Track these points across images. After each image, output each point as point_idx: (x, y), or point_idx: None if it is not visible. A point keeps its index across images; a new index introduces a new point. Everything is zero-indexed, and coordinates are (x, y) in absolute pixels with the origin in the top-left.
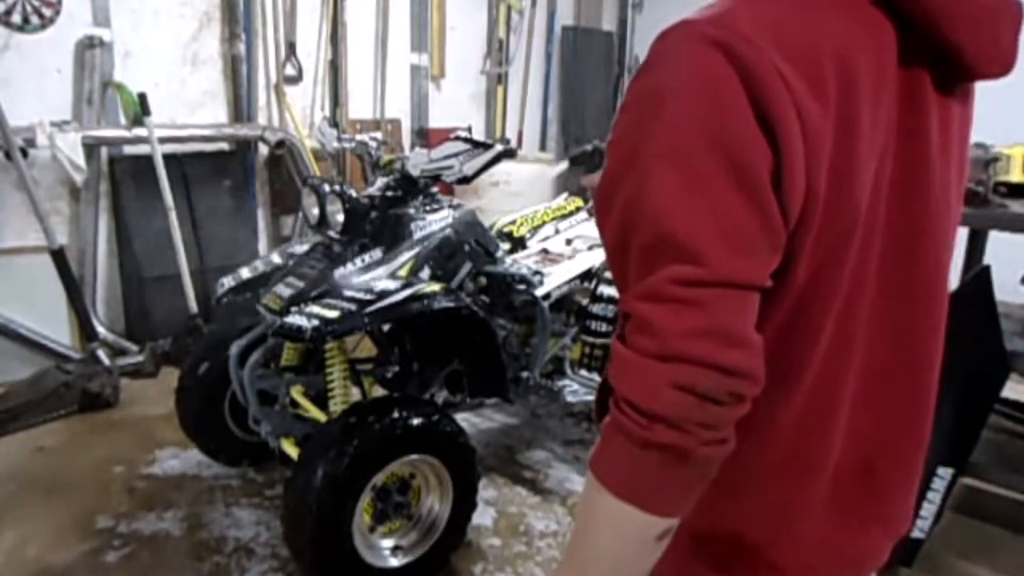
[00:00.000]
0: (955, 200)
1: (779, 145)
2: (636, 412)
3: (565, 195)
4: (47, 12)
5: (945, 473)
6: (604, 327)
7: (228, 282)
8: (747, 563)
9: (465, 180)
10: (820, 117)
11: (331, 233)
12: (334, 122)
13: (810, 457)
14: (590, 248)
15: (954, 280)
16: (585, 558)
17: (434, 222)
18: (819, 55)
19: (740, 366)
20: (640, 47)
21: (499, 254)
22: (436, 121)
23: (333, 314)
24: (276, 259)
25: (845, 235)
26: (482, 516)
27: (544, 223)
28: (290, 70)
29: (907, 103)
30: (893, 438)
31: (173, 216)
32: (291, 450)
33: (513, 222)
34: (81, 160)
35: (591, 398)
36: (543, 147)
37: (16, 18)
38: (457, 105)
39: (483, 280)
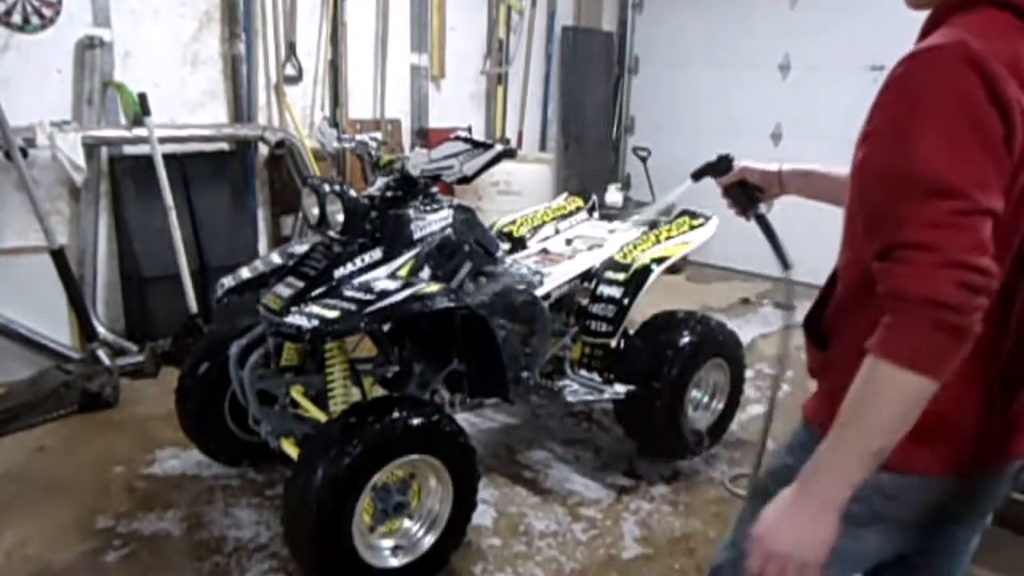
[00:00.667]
0: None
1: (1009, 121)
2: (929, 305)
3: (565, 195)
4: (47, 12)
5: None
6: (604, 327)
7: (228, 282)
8: (942, 435)
9: (465, 180)
10: None
11: (331, 233)
12: (334, 122)
13: (993, 342)
14: (590, 248)
15: None
16: (871, 424)
17: (434, 222)
18: (1019, 64)
19: (992, 269)
20: (640, 47)
21: (499, 254)
22: (436, 121)
23: (333, 314)
24: (276, 259)
25: None
26: (482, 516)
27: (544, 223)
28: (290, 70)
29: None
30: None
31: (173, 216)
32: (291, 450)
33: (513, 222)
34: (81, 160)
35: (591, 398)
36: (543, 147)
37: (16, 18)
38: (457, 105)
39: (483, 280)
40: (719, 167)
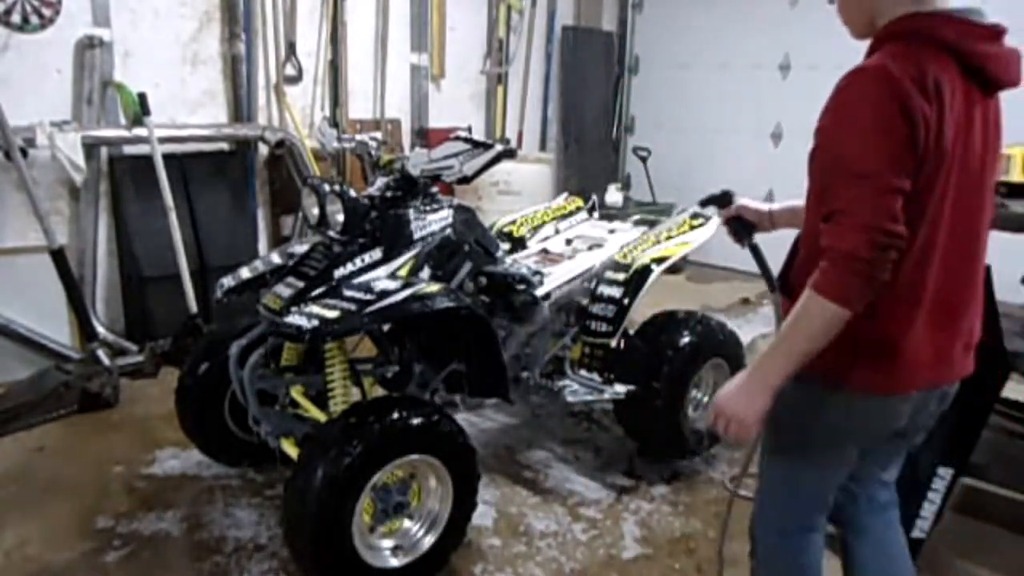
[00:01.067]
0: (990, 159)
1: (913, 124)
2: (848, 257)
3: (565, 195)
4: (47, 12)
5: (945, 473)
6: (604, 327)
7: (228, 282)
8: (885, 355)
9: (465, 180)
10: (928, 110)
11: (331, 233)
12: (334, 122)
13: (919, 286)
14: (590, 248)
15: None
16: (800, 334)
17: (434, 222)
18: (926, 80)
19: (897, 231)
20: (640, 47)
21: (499, 254)
22: (436, 121)
23: (333, 314)
24: (276, 259)
25: (939, 165)
26: (482, 516)
27: (544, 223)
28: (290, 70)
29: (966, 103)
30: (963, 280)
31: (173, 216)
32: (291, 450)
33: (513, 222)
34: (81, 160)
35: (591, 398)
36: (543, 147)
37: (16, 18)
38: (457, 105)
39: (483, 280)
40: (721, 200)
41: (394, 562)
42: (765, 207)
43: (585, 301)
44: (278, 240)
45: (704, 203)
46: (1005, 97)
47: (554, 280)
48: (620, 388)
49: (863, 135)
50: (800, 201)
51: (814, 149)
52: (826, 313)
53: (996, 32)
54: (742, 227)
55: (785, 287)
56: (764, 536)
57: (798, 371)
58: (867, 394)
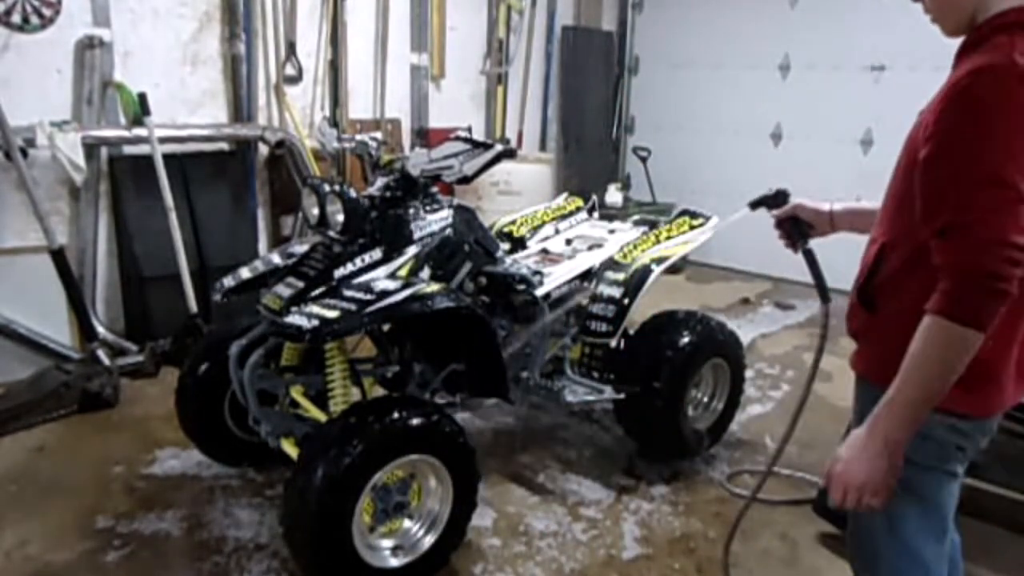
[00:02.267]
0: None
1: None
2: (981, 274)
3: (565, 195)
4: (47, 12)
5: None
6: (604, 327)
7: (228, 282)
8: (985, 376)
9: (465, 180)
10: None
11: (331, 233)
12: (334, 122)
13: (1019, 305)
14: (590, 248)
15: None
16: (930, 372)
17: (434, 222)
18: None
19: None
20: (640, 47)
21: (499, 254)
22: (436, 121)
23: (333, 314)
24: (276, 259)
25: None
26: (482, 516)
27: (544, 223)
28: (290, 70)
29: None
30: None
31: (173, 216)
32: (291, 450)
33: (513, 222)
34: (81, 160)
35: (591, 398)
36: (543, 147)
37: (16, 18)
38: (457, 105)
39: (483, 280)
40: (776, 200)
41: (394, 562)
42: (825, 207)
43: (585, 301)
44: (278, 240)
45: (755, 205)
46: None
47: (554, 280)
48: (620, 388)
49: (1004, 140)
50: (867, 204)
51: (927, 156)
52: (959, 341)
53: None
54: (797, 229)
55: (866, 299)
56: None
57: (871, 377)
58: (965, 418)
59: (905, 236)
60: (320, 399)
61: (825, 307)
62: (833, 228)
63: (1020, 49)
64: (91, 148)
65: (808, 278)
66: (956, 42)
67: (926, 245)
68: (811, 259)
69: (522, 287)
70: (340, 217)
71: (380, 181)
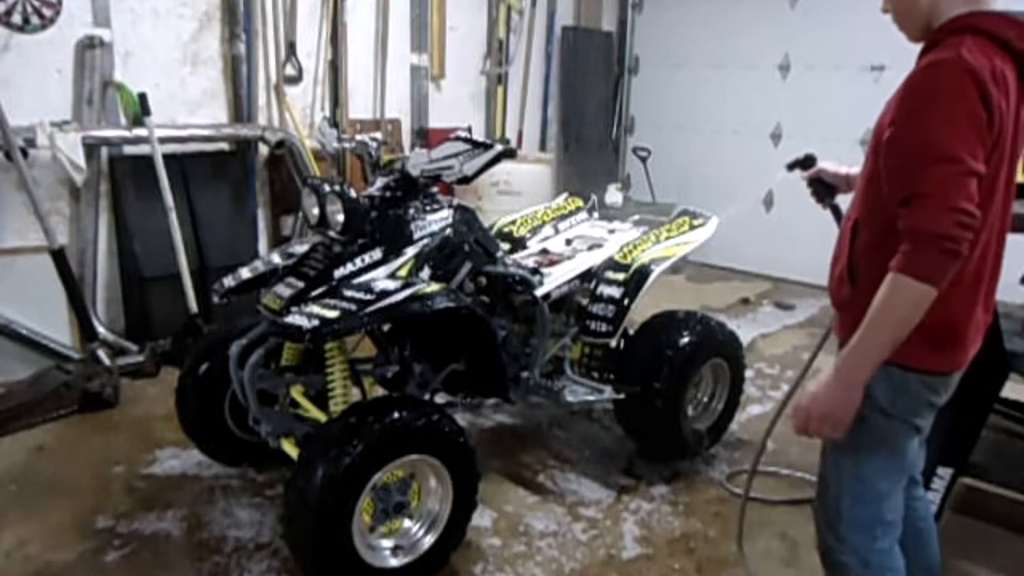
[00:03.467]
0: (1019, 157)
1: (990, 112)
2: (935, 236)
3: (565, 195)
4: (47, 12)
5: (945, 473)
6: (604, 327)
7: (228, 282)
8: (949, 334)
9: (465, 180)
10: (1002, 102)
11: (331, 233)
12: (334, 122)
13: (979, 268)
14: (590, 248)
15: None
16: (889, 320)
17: (434, 222)
18: (995, 73)
19: (976, 212)
20: (640, 47)
21: (499, 254)
22: (436, 121)
23: (333, 314)
24: (276, 259)
25: (1001, 155)
26: (482, 516)
27: (544, 223)
28: (290, 70)
29: (1019, 101)
30: (999, 262)
31: (173, 216)
32: (291, 450)
33: (513, 222)
34: (81, 160)
35: (591, 398)
36: (543, 147)
37: (16, 18)
38: (457, 105)
39: (483, 280)
40: (805, 163)
41: (394, 562)
42: (844, 170)
43: (585, 301)
44: (278, 240)
45: (791, 166)
46: None
47: (554, 280)
48: (620, 388)
49: (950, 122)
50: None
51: (888, 138)
52: (916, 295)
53: None
54: (824, 188)
55: (852, 273)
56: (856, 542)
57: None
58: (935, 374)
59: (875, 212)
60: (320, 399)
61: None
62: (849, 188)
63: (967, 47)
64: (91, 148)
65: (807, 278)
66: None
67: (893, 219)
68: (836, 212)
69: (522, 287)
70: (340, 217)
71: (380, 181)
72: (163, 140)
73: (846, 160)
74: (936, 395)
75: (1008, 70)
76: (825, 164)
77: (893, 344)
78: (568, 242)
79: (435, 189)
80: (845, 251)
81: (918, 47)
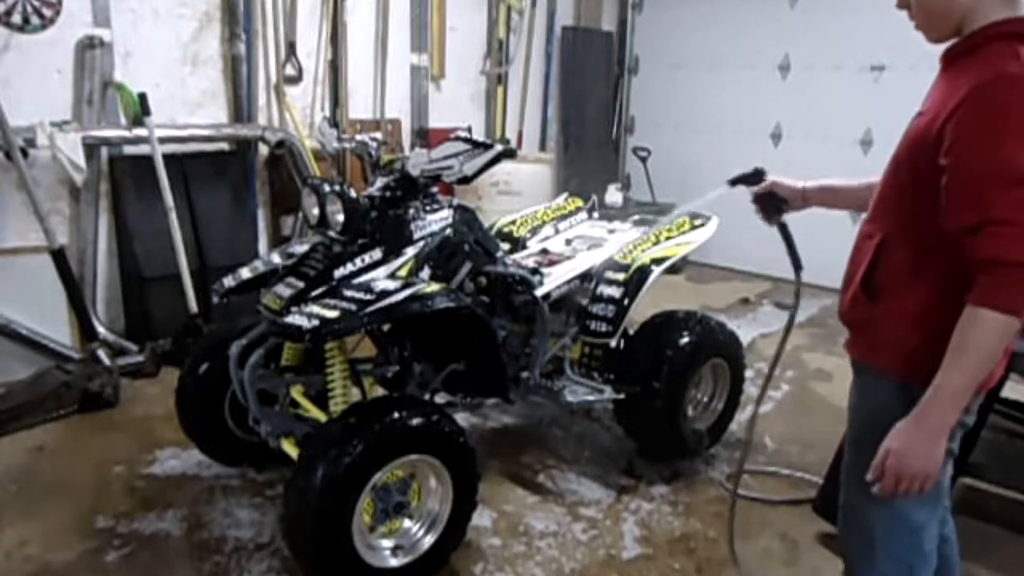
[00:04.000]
0: None
1: None
2: (1020, 266)
3: (565, 195)
4: (47, 12)
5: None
6: (604, 327)
7: (228, 282)
8: None
9: (465, 180)
10: None
11: (331, 233)
12: (334, 122)
13: None
14: (590, 248)
15: None
16: (977, 359)
17: (434, 222)
18: None
19: None
20: (640, 47)
21: (499, 254)
22: (436, 121)
23: (333, 314)
24: (276, 259)
25: None
26: (482, 516)
27: (544, 223)
28: (290, 70)
29: None
30: None
31: (173, 216)
32: (291, 450)
33: (513, 222)
34: (81, 160)
35: (591, 398)
36: (543, 147)
37: (16, 18)
38: (457, 105)
39: (483, 280)
40: (753, 178)
41: (394, 562)
42: (799, 184)
43: (585, 301)
44: (278, 240)
45: (734, 182)
46: None
47: (554, 280)
48: (620, 388)
49: (1020, 142)
50: (835, 181)
51: (954, 157)
52: (1002, 328)
53: None
54: (773, 204)
55: (870, 291)
56: (873, 530)
57: (905, 381)
58: (979, 393)
59: (907, 232)
60: (320, 399)
61: (798, 275)
62: (805, 203)
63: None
64: (91, 148)
65: (807, 278)
66: None
67: (932, 244)
68: (785, 231)
69: (522, 287)
70: (340, 217)
71: (380, 181)
72: (163, 140)
73: (847, 161)
74: (970, 416)
75: None
76: (778, 178)
77: (977, 383)
78: (568, 242)
79: (435, 189)
80: (864, 268)
81: (919, 47)
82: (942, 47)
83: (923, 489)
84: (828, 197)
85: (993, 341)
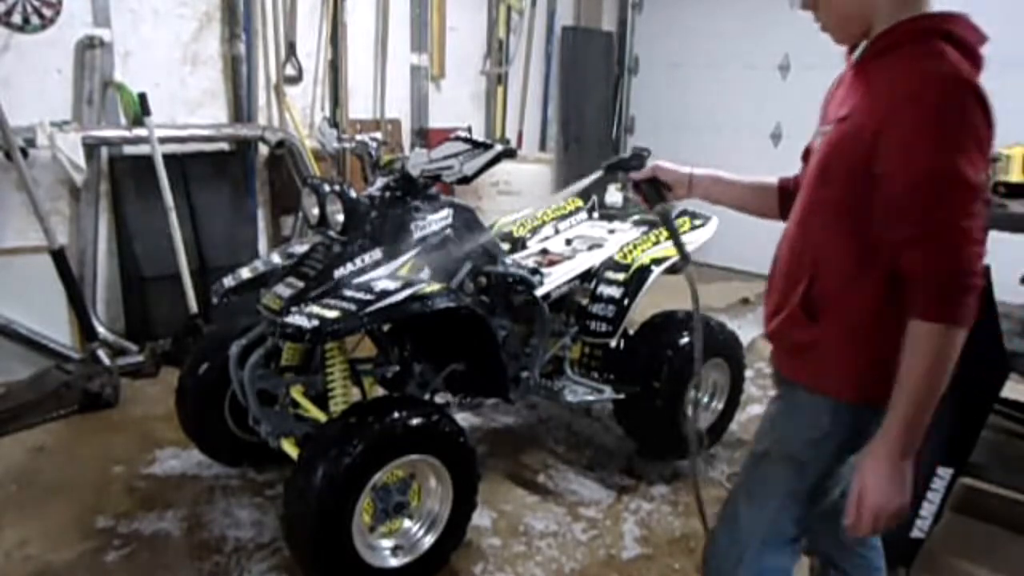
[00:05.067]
0: None
1: (992, 133)
2: (966, 274)
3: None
4: (47, 12)
5: (945, 473)
6: (604, 327)
7: (228, 282)
8: (890, 373)
9: (465, 180)
10: (992, 118)
11: (331, 233)
12: (334, 122)
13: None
14: (590, 248)
15: None
16: (931, 379)
17: (434, 222)
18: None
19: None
20: (640, 47)
21: (499, 254)
22: (436, 121)
23: (333, 314)
24: (276, 259)
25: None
26: (482, 516)
27: (544, 223)
28: (290, 70)
29: None
30: None
31: (173, 216)
32: (291, 450)
33: (513, 222)
34: (81, 160)
35: (591, 398)
36: (543, 147)
37: (16, 18)
38: (457, 105)
39: (483, 280)
40: (632, 163)
41: (394, 562)
42: (686, 171)
43: (585, 301)
44: (278, 240)
45: (610, 167)
46: (1004, 95)
47: (554, 280)
48: (620, 388)
49: (960, 150)
50: (726, 174)
51: (887, 164)
52: (954, 341)
53: (985, 37)
54: (653, 190)
55: (809, 308)
56: (748, 544)
57: (822, 389)
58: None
59: (843, 245)
60: (320, 399)
61: (689, 268)
62: (690, 192)
63: (956, 59)
64: (91, 148)
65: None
66: None
67: (871, 256)
68: (667, 220)
69: (522, 287)
70: (340, 217)
71: (380, 181)
72: (163, 140)
73: None
74: (874, 426)
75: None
76: (661, 162)
77: (935, 402)
78: (568, 242)
79: (435, 189)
80: (802, 284)
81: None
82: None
83: (901, 518)
84: (714, 188)
85: (949, 356)
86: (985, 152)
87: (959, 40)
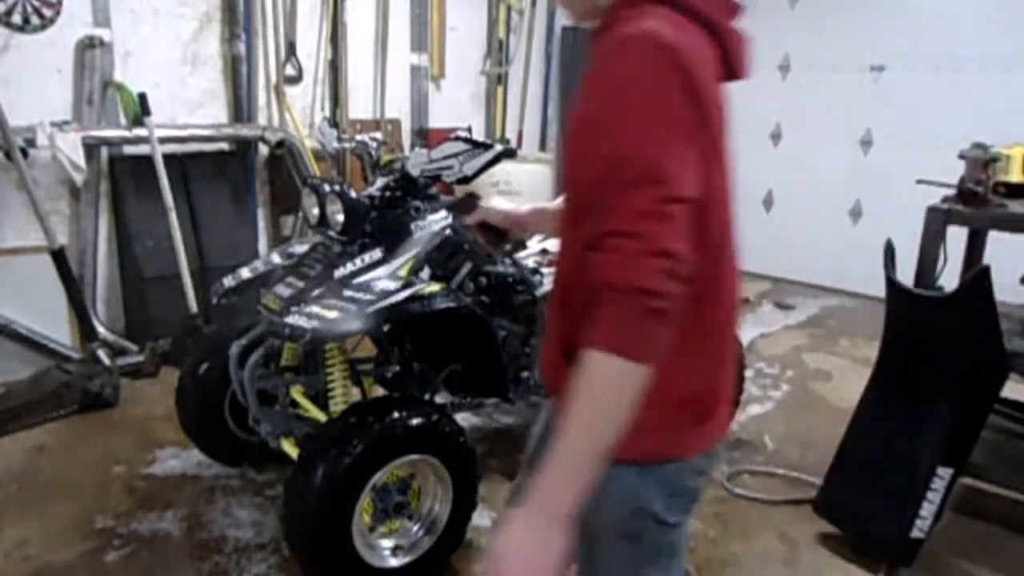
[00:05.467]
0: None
1: (700, 109)
2: (638, 293)
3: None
4: (47, 12)
5: (945, 473)
6: None
7: (228, 282)
8: (712, 412)
9: (465, 180)
10: (713, 90)
11: (331, 233)
12: (334, 122)
13: (720, 318)
14: None
15: (953, 280)
16: (593, 420)
17: (434, 222)
18: (701, 51)
19: (689, 256)
20: None
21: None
22: (436, 121)
23: (333, 314)
24: (276, 259)
25: (718, 162)
26: (482, 516)
27: None
28: (290, 70)
29: (721, 86)
30: (736, 300)
31: (173, 216)
32: (291, 450)
33: None
34: (81, 160)
35: None
36: (543, 147)
37: (16, 18)
38: (457, 105)
39: (483, 280)
40: (464, 205)
41: (394, 562)
42: (516, 210)
43: None
44: (278, 240)
45: (449, 209)
46: (1004, 95)
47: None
48: None
49: (651, 125)
50: (550, 204)
51: (571, 155)
52: (623, 377)
53: (737, 8)
54: (493, 233)
55: (567, 349)
56: None
57: (636, 460)
58: (709, 453)
59: (564, 251)
60: (320, 399)
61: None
62: (524, 229)
63: (659, 17)
64: (91, 148)
65: (807, 278)
66: (957, 43)
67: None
68: (516, 264)
69: (522, 287)
70: (340, 217)
71: (380, 181)
72: (163, 140)
73: (846, 161)
74: (705, 477)
75: (709, 51)
76: (493, 204)
77: (605, 451)
78: None
79: (435, 189)
80: (556, 321)
81: (919, 47)
82: (943, 46)
83: None
84: (541, 220)
85: (614, 395)
86: (687, 136)
87: (685, 6)
